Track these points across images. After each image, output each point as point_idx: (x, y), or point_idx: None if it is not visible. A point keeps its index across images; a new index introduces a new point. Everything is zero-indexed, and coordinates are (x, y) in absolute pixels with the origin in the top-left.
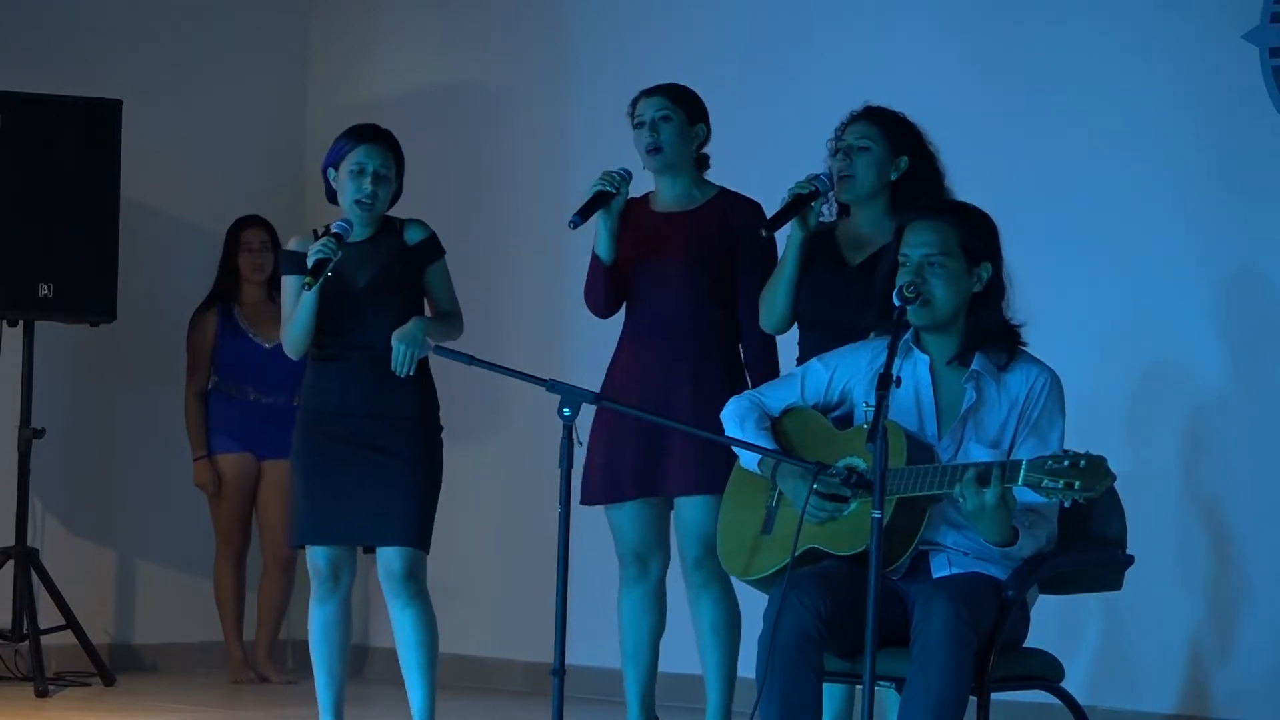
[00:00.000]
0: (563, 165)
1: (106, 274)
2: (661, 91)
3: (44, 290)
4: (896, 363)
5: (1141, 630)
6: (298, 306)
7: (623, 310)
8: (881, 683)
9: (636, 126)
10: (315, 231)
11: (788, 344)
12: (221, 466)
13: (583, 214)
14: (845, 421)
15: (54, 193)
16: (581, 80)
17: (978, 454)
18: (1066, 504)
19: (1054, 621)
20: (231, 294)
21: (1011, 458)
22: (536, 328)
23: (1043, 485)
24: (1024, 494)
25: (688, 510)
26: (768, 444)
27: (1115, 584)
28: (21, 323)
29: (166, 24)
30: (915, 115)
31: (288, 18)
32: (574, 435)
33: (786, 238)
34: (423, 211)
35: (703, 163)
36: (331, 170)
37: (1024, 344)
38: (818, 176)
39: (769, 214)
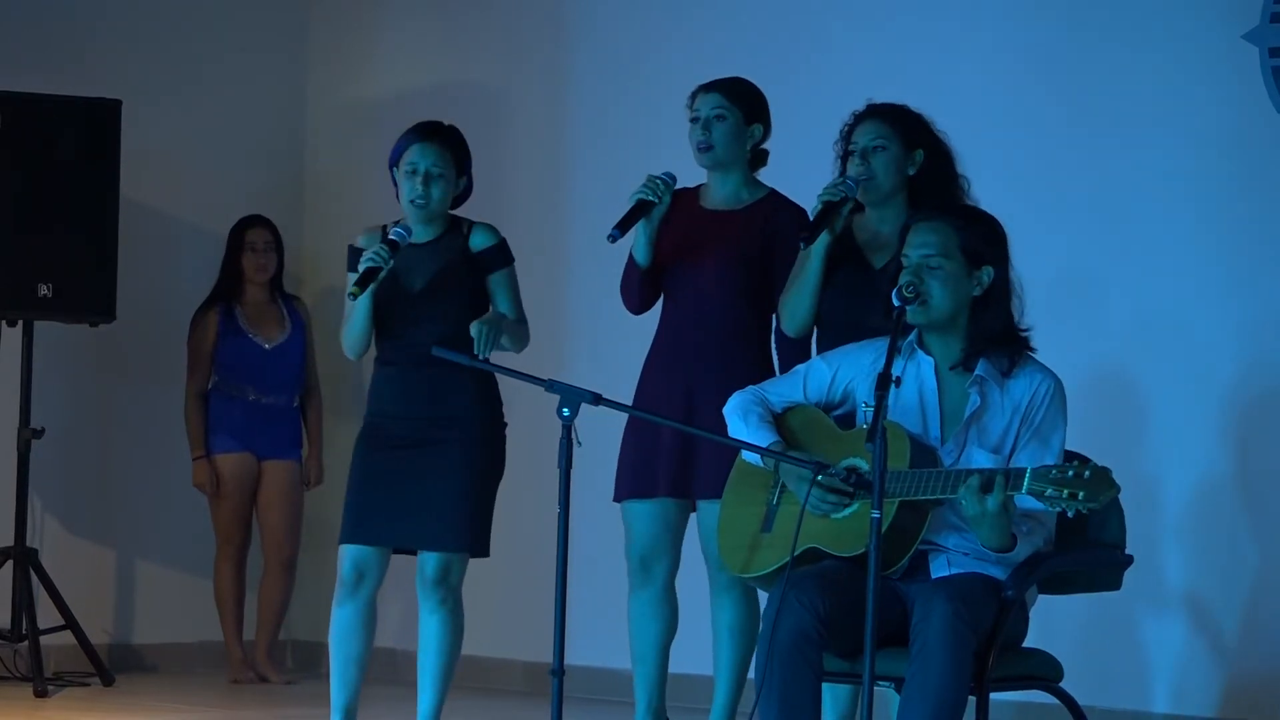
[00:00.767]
0: (562, 165)
1: (106, 274)
2: (719, 88)
3: (44, 290)
4: (900, 364)
5: (1141, 630)
6: (353, 309)
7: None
8: (881, 683)
9: (692, 121)
10: (384, 228)
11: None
12: (221, 466)
13: (622, 226)
14: (847, 421)
15: (54, 193)
16: (581, 80)
17: (980, 459)
18: (1070, 514)
19: (1052, 621)
20: (234, 294)
21: (1012, 462)
22: (536, 328)
23: (1046, 494)
24: (1024, 501)
25: (714, 514)
26: (771, 436)
27: (1114, 584)
28: (21, 322)
29: (166, 24)
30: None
31: (288, 18)
32: (573, 435)
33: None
34: None
35: (759, 159)
36: (395, 169)
37: (1032, 349)
38: (844, 181)
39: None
